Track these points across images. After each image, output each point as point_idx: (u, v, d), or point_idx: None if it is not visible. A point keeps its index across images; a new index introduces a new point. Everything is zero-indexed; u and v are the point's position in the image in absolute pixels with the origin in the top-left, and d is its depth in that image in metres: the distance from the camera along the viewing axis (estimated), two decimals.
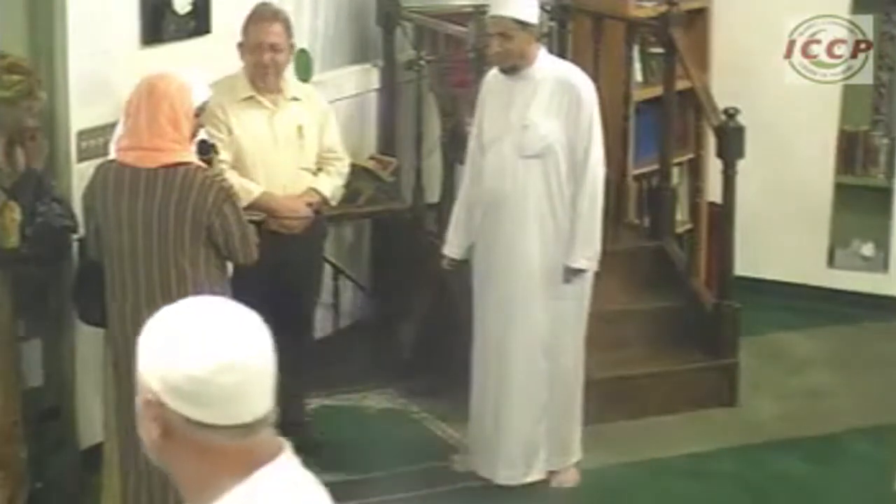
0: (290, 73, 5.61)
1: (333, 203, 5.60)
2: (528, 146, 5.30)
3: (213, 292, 4.58)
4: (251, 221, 5.06)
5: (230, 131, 5.30)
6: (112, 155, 4.70)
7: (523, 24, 5.24)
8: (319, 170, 5.51)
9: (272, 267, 5.30)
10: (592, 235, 5.37)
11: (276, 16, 5.36)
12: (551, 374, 5.45)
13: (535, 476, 5.52)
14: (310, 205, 5.42)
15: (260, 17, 5.34)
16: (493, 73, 5.47)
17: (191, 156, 4.59)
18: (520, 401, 5.44)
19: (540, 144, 5.29)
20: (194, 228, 4.54)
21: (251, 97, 5.37)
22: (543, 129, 5.29)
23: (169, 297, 4.51)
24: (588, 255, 5.37)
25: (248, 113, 5.34)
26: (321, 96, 5.68)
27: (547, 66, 5.35)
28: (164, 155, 4.53)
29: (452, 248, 5.54)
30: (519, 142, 5.31)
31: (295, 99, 5.45)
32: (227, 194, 4.61)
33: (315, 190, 5.45)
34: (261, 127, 5.34)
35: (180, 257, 4.56)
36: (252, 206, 5.21)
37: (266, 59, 5.32)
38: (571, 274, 5.37)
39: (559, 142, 5.29)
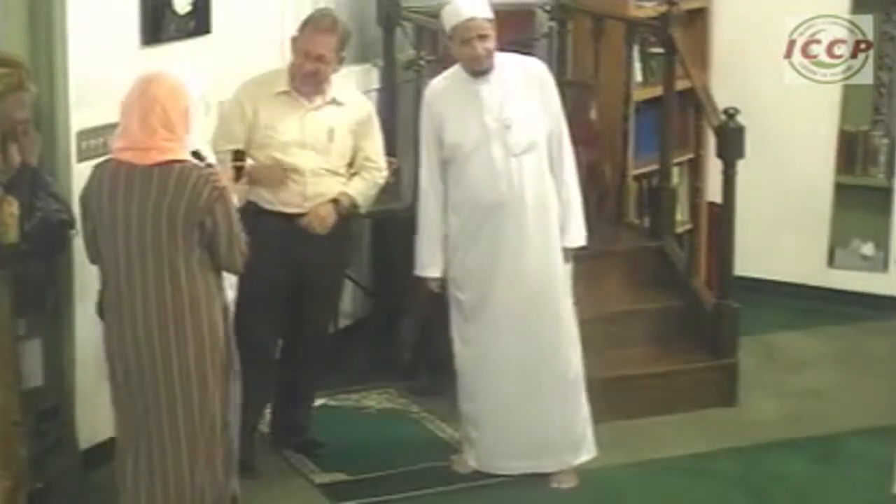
0: (337, 77, 5.54)
1: (363, 210, 5.60)
2: (517, 144, 5.32)
3: (208, 295, 4.59)
4: (236, 160, 5.01)
5: (252, 128, 5.29)
6: (109, 154, 4.70)
7: (491, 22, 5.30)
8: (354, 174, 5.50)
9: (293, 267, 5.32)
10: (578, 211, 5.46)
11: (334, 28, 5.31)
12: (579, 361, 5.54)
13: (585, 456, 5.59)
14: (335, 202, 5.40)
15: (316, 26, 5.31)
16: (438, 84, 5.46)
17: (186, 154, 4.59)
18: (557, 394, 5.49)
19: (528, 139, 5.33)
20: (187, 227, 4.54)
21: (287, 92, 5.36)
22: (527, 124, 5.32)
23: (163, 298, 4.54)
24: (579, 232, 5.46)
25: (281, 107, 5.33)
26: (368, 105, 5.64)
27: (507, 63, 5.39)
28: (157, 153, 4.54)
29: (435, 269, 5.51)
30: (506, 142, 5.32)
31: (335, 102, 5.42)
32: (221, 194, 4.59)
33: (346, 194, 5.44)
34: (291, 123, 5.33)
35: (174, 256, 4.55)
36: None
37: (309, 68, 5.30)
38: (570, 254, 5.45)
39: (543, 132, 5.35)
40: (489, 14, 5.31)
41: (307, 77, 5.32)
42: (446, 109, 5.40)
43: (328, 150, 5.39)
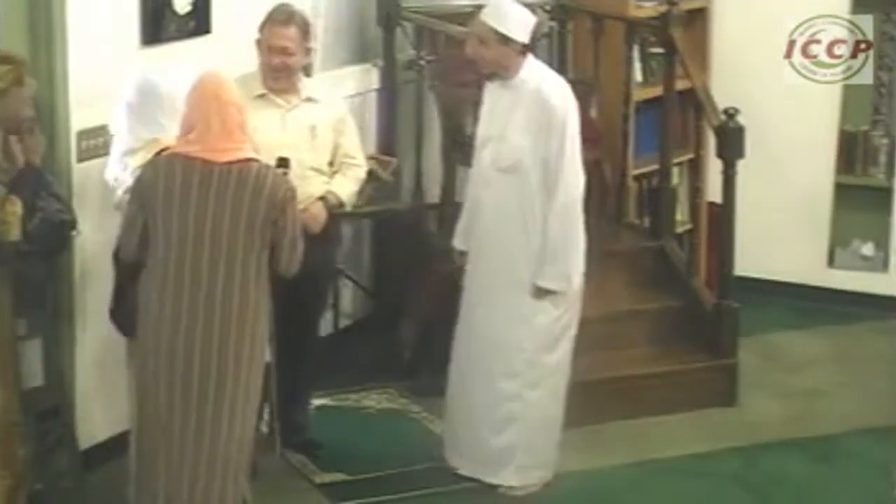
0: (309, 79, 5.58)
1: (349, 208, 5.59)
2: (502, 159, 5.26)
3: (265, 294, 4.63)
4: (280, 166, 5.03)
5: None
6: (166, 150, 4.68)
7: (503, 38, 5.19)
8: (335, 172, 5.50)
9: None
10: (561, 255, 5.26)
11: (291, 19, 5.33)
12: (520, 387, 5.37)
13: (499, 480, 5.47)
14: (323, 199, 5.40)
15: (275, 20, 5.33)
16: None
17: (253, 152, 4.66)
18: (482, 410, 5.43)
19: (511, 158, 5.23)
20: (264, 224, 4.56)
21: (264, 95, 5.37)
22: (515, 144, 5.22)
23: (231, 291, 4.52)
24: (556, 276, 5.26)
25: (260, 110, 5.31)
26: (341, 100, 5.66)
27: (530, 79, 5.26)
28: (235, 152, 4.57)
29: (458, 240, 5.52)
30: (496, 153, 5.27)
31: (310, 100, 5.43)
32: (294, 195, 4.67)
33: (332, 193, 5.44)
34: (272, 124, 5.33)
35: (248, 251, 4.56)
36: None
37: (276, 62, 5.32)
38: (542, 293, 5.28)
39: (531, 157, 5.21)
40: (501, 28, 5.17)
41: (277, 72, 5.33)
42: (485, 104, 5.38)
43: (313, 148, 5.39)
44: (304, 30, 5.38)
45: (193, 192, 4.53)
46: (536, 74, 5.30)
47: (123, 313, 4.80)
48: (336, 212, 5.50)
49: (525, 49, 5.25)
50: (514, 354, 5.35)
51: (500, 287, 5.33)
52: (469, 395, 5.44)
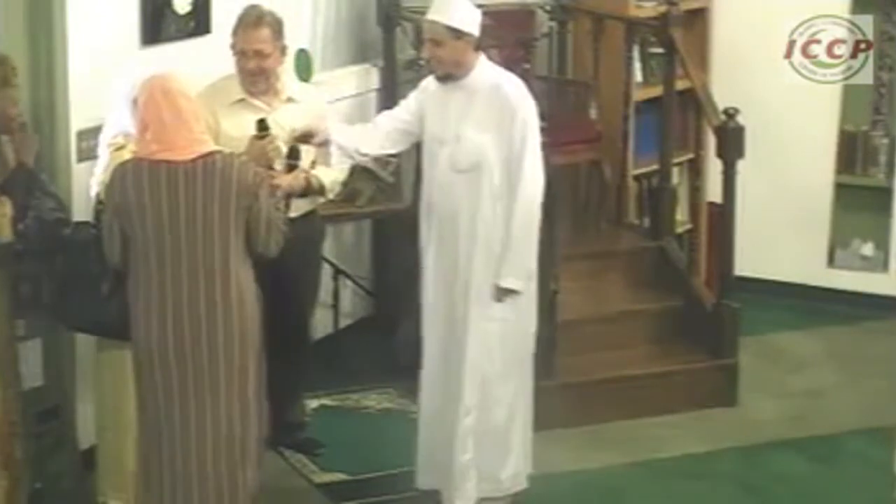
0: (289, 74, 5.58)
1: (331, 196, 5.53)
2: (460, 160, 5.13)
3: (249, 283, 4.64)
4: (261, 129, 5.01)
5: (216, 136, 5.22)
6: (131, 156, 4.68)
7: (457, 32, 5.08)
8: (314, 163, 5.45)
9: (268, 268, 5.29)
10: (523, 255, 5.14)
11: (262, 21, 5.26)
12: (479, 398, 5.22)
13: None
14: (303, 173, 5.32)
15: (245, 24, 5.26)
16: (432, 78, 5.29)
17: (214, 144, 4.65)
18: (446, 424, 5.27)
19: (471, 159, 5.11)
20: (239, 210, 4.56)
21: (243, 99, 5.32)
22: (475, 143, 5.10)
23: (213, 289, 4.53)
24: (518, 275, 5.14)
25: (240, 114, 5.28)
26: (322, 99, 5.63)
27: (484, 77, 5.15)
28: (198, 145, 4.56)
29: (336, 131, 5.33)
30: (452, 155, 5.14)
31: (291, 100, 5.40)
32: (263, 178, 4.68)
33: (313, 175, 5.35)
34: (253, 128, 5.29)
35: (226, 244, 4.56)
36: None
37: (252, 66, 5.27)
38: (502, 293, 5.15)
39: (492, 156, 5.10)
40: (453, 23, 5.08)
41: (254, 76, 5.29)
42: (429, 105, 5.26)
43: None
44: (277, 29, 5.30)
45: (163, 197, 4.53)
46: (491, 73, 5.20)
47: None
48: (314, 195, 5.40)
49: (478, 46, 5.16)
50: (490, 361, 5.22)
51: (466, 293, 5.17)
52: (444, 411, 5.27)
